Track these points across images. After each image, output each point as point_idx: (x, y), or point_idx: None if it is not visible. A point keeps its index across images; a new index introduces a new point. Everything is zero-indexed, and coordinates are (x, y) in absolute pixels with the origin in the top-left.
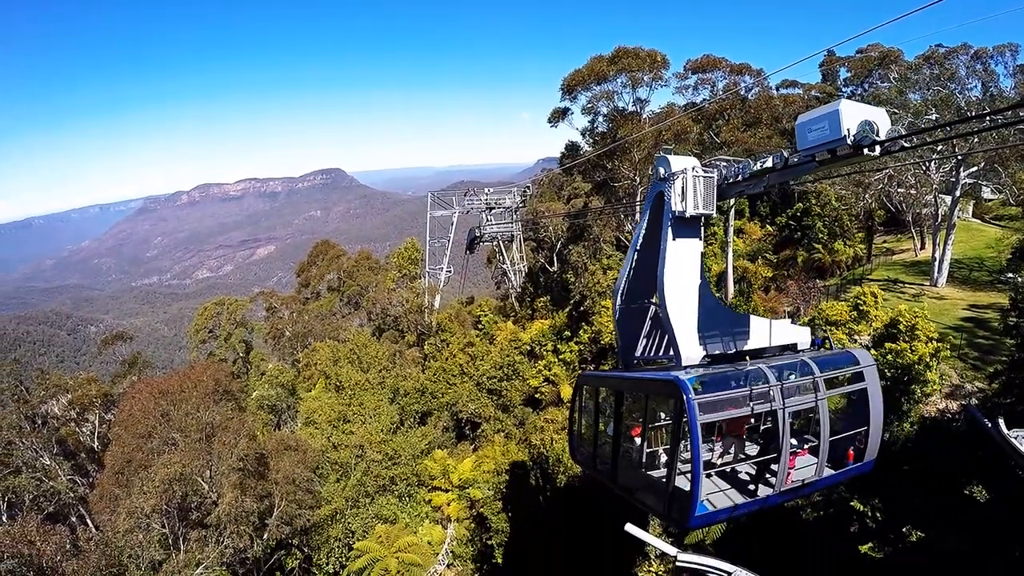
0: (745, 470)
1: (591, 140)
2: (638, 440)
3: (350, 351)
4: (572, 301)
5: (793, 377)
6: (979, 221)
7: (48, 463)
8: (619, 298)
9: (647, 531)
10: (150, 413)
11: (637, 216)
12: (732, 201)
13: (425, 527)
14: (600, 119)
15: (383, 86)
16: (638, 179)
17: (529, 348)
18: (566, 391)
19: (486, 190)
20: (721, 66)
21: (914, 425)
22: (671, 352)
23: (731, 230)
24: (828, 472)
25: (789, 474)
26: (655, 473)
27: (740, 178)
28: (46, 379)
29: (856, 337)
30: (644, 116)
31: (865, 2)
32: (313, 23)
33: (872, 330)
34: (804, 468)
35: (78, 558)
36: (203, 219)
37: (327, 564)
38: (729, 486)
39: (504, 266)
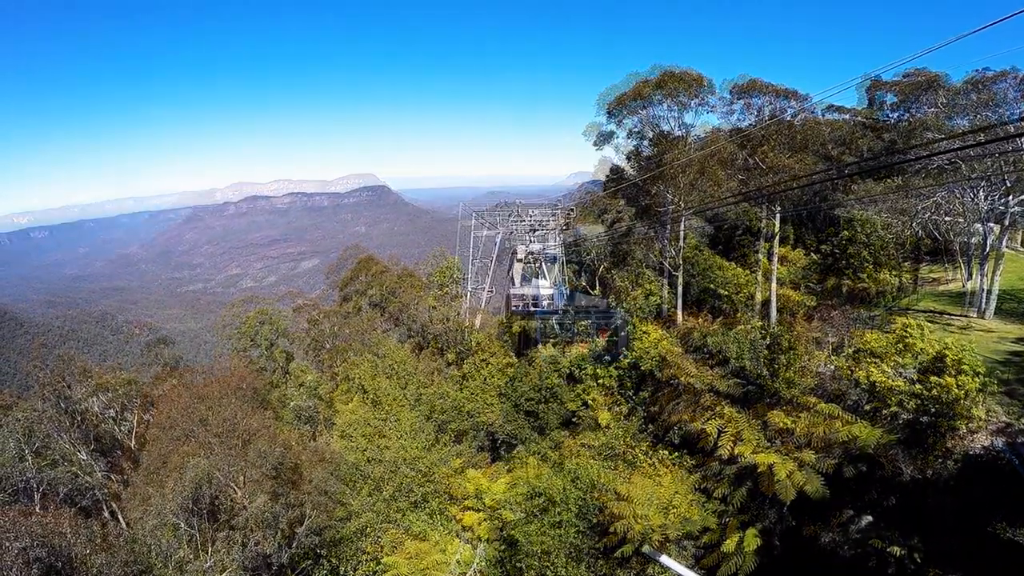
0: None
1: (636, 164)
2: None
3: (389, 366)
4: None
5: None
6: None
7: (85, 458)
8: (512, 283)
9: (680, 563)
10: (188, 416)
11: (680, 241)
12: (776, 227)
13: (455, 546)
14: (645, 143)
15: (430, 103)
16: (683, 204)
17: (568, 371)
18: (604, 416)
19: (530, 211)
20: (766, 90)
21: (957, 463)
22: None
23: (775, 257)
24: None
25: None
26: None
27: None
28: (88, 376)
29: (901, 371)
30: (689, 141)
31: (911, 28)
32: (359, 43)
33: (917, 363)
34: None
35: (107, 552)
36: (249, 229)
37: None
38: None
39: None
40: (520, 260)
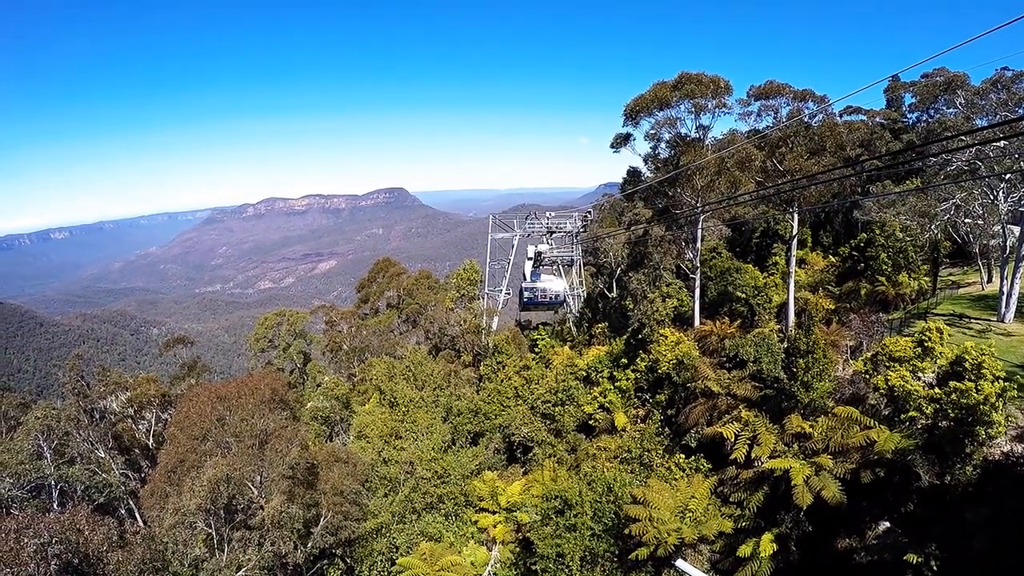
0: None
1: (653, 166)
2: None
3: (406, 368)
4: (630, 328)
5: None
6: None
7: (103, 456)
8: (524, 278)
9: (696, 568)
10: (206, 416)
11: (698, 243)
12: (794, 230)
13: (470, 548)
14: (662, 145)
15: (448, 109)
16: (700, 206)
17: (585, 374)
18: (620, 419)
19: (548, 214)
20: (784, 92)
21: (977, 469)
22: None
23: (793, 260)
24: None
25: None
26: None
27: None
28: (107, 376)
29: (920, 375)
30: (706, 143)
31: (932, 27)
32: (379, 48)
33: (936, 367)
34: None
35: (124, 549)
36: (268, 232)
37: None
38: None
39: None
40: (531, 259)
